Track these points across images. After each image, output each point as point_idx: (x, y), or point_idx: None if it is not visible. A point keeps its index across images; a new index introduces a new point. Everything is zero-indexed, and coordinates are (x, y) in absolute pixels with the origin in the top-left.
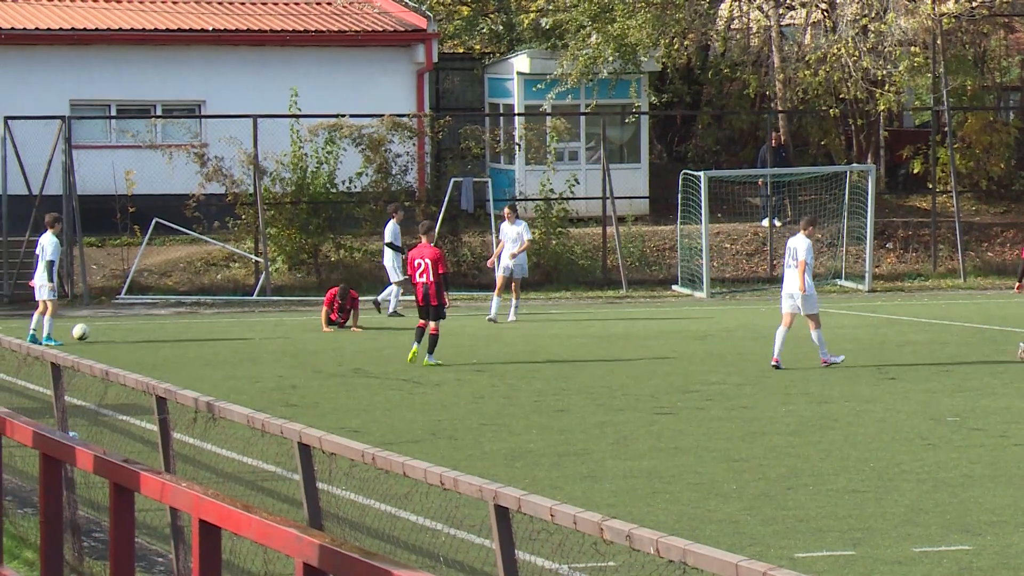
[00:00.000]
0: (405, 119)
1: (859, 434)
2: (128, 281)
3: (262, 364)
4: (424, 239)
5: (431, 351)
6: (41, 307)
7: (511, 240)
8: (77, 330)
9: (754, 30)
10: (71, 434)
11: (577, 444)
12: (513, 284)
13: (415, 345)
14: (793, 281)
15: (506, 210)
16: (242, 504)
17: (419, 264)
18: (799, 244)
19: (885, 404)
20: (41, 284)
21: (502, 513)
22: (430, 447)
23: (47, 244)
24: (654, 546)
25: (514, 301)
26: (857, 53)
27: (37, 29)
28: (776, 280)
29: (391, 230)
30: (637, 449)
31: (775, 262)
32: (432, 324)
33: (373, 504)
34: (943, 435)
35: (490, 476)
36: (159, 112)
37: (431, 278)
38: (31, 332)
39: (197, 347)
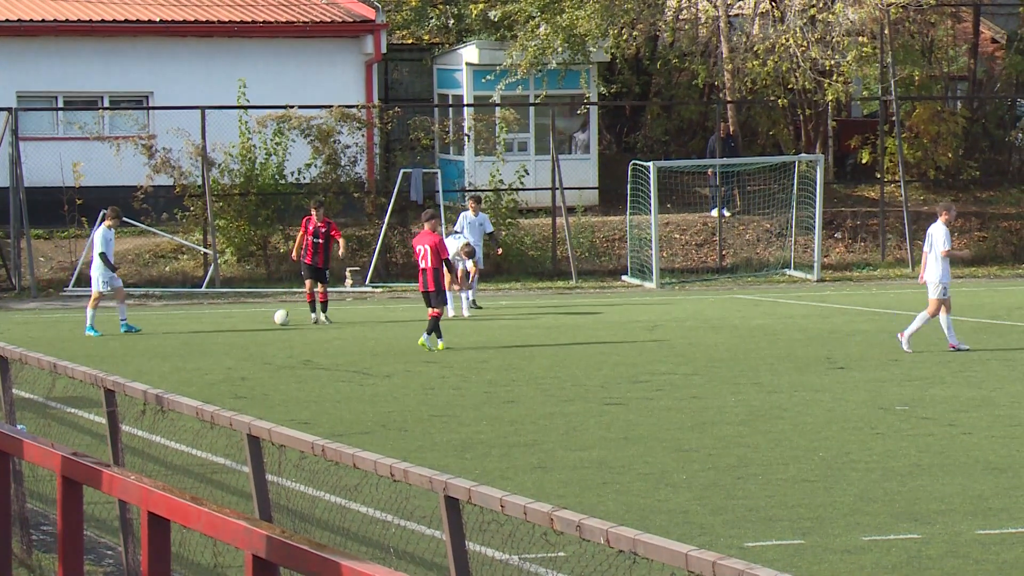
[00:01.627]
0: (354, 110)
1: (808, 423)
2: (76, 273)
3: (211, 356)
4: (427, 226)
5: (438, 334)
6: (119, 295)
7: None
8: (279, 316)
9: (702, 20)
10: (19, 427)
11: (527, 435)
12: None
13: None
14: (932, 269)
15: (471, 201)
16: (191, 496)
17: (420, 251)
18: (935, 231)
19: (834, 393)
20: (96, 276)
21: (452, 504)
22: (380, 438)
23: (96, 236)
24: (604, 536)
25: (470, 292)
26: (805, 43)
27: None
28: (725, 270)
29: (462, 222)
30: (587, 439)
31: (724, 252)
32: (434, 309)
33: (323, 496)
34: (892, 424)
35: (440, 467)
36: (106, 104)
37: (431, 264)
38: (123, 322)
39: (146, 339)
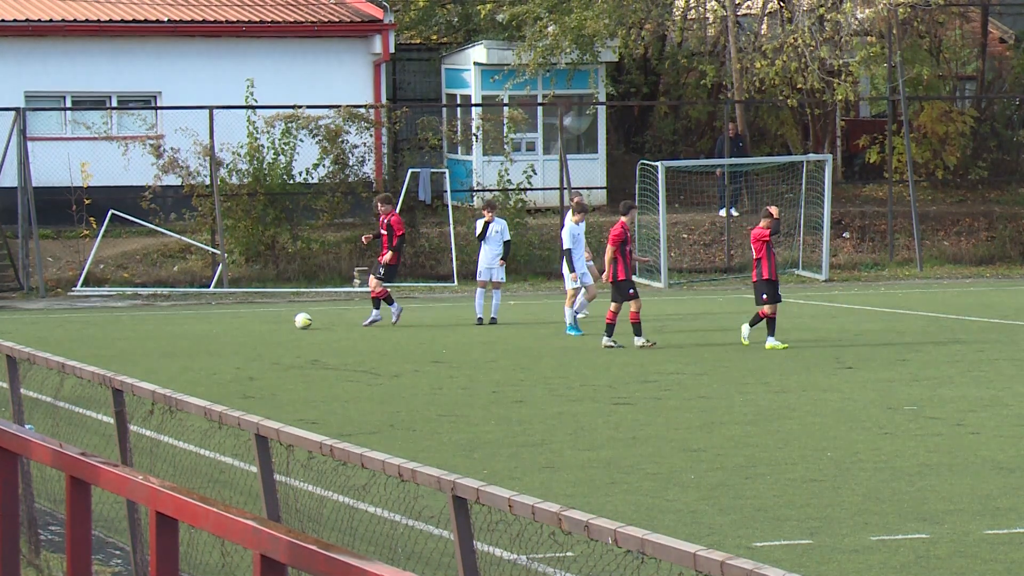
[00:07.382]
0: (362, 110)
1: (816, 423)
2: (84, 273)
3: (219, 356)
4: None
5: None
6: (587, 292)
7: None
8: (300, 319)
9: (711, 20)
10: (27, 427)
11: (535, 435)
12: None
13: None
14: None
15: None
16: (199, 496)
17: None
18: None
19: (842, 393)
20: (567, 273)
21: (460, 504)
22: (388, 438)
23: (564, 234)
24: (612, 536)
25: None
26: (814, 43)
27: None
28: (733, 270)
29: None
30: (595, 439)
31: (732, 252)
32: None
33: (331, 496)
34: (900, 424)
35: (448, 467)
36: (115, 103)
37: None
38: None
39: (154, 339)
